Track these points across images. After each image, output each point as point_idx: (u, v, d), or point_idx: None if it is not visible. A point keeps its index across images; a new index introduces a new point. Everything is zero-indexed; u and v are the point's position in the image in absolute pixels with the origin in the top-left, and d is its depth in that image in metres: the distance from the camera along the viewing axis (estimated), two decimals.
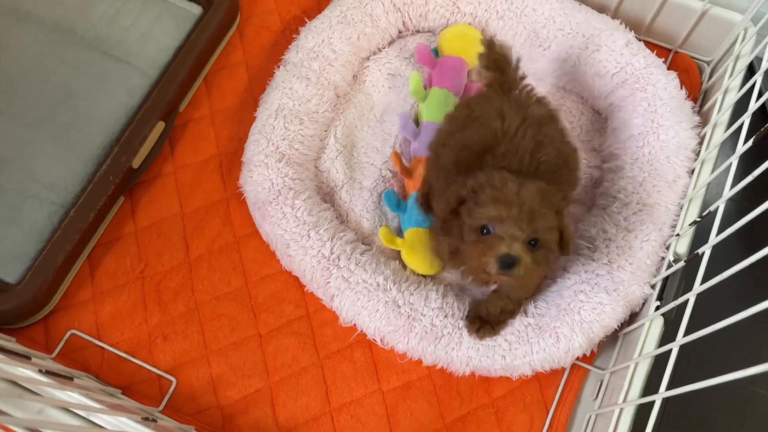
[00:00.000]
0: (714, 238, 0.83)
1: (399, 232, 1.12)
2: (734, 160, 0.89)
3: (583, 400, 1.07)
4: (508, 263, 0.75)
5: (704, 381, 0.64)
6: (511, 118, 0.89)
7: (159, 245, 1.16)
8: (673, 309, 0.97)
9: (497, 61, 0.95)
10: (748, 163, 1.03)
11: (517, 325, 1.00)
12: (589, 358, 1.08)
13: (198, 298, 1.12)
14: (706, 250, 0.84)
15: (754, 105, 0.91)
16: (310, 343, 1.09)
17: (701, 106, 1.21)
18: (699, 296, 0.84)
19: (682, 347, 0.83)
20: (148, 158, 1.17)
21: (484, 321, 0.99)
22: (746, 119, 0.91)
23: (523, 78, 0.97)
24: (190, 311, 1.11)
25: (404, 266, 1.09)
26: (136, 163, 1.15)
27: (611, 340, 1.08)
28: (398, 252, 1.10)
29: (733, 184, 0.83)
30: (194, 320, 1.10)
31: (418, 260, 1.08)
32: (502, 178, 0.78)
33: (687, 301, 0.84)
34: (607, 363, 1.09)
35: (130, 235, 1.16)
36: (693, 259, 0.88)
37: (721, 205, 0.86)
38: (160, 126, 1.18)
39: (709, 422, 1.25)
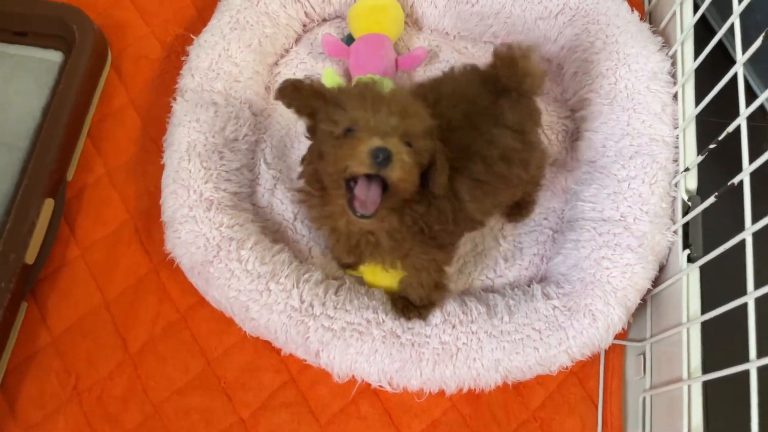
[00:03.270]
0: (749, 165, 0.70)
1: None
2: (739, 69, 0.76)
3: (629, 382, 0.94)
4: (383, 157, 0.61)
5: None
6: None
7: (87, 349, 0.95)
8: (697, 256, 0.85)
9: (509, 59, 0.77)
10: (704, 85, 0.93)
11: (543, 309, 0.87)
12: (622, 332, 0.94)
13: (154, 399, 0.92)
14: (744, 177, 0.71)
15: (739, 7, 0.78)
16: (305, 411, 0.91)
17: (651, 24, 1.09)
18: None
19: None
20: (43, 248, 0.97)
21: (411, 304, 0.87)
22: (735, 20, 0.79)
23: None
24: (149, 418, 0.91)
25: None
26: (30, 257, 0.94)
27: (638, 306, 0.95)
28: None
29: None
30: (158, 427, 0.91)
31: (388, 276, 0.90)
32: (367, 82, 0.66)
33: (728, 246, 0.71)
34: (640, 333, 0.95)
35: (47, 347, 0.95)
36: (726, 192, 0.75)
37: (743, 123, 0.74)
38: (49, 204, 0.97)
39: None
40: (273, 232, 0.96)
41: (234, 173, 0.95)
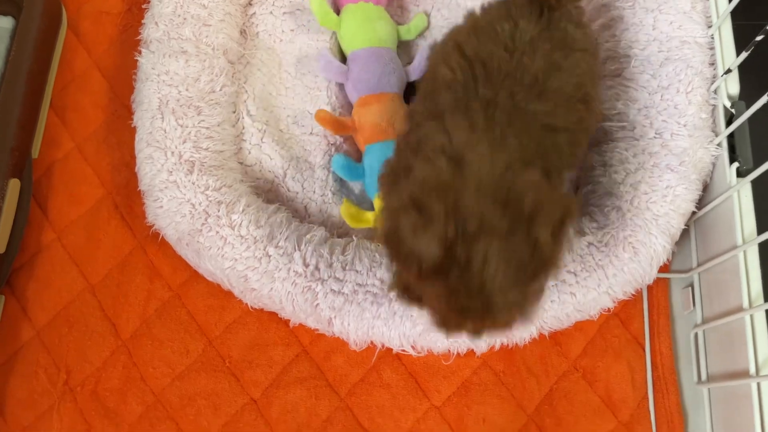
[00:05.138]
0: None
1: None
2: None
3: (676, 318, 0.85)
4: None
5: None
6: (526, 26, 0.64)
7: (75, 339, 0.86)
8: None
9: None
10: None
11: (576, 248, 0.77)
12: (664, 264, 0.84)
13: (155, 387, 0.83)
14: None
15: None
16: (323, 384, 0.82)
17: None
18: None
19: None
20: (14, 234, 0.87)
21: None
22: None
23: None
24: (150, 408, 0.82)
25: None
26: (0, 246, 0.82)
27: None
28: None
29: None
30: (162, 417, 0.82)
31: None
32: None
33: None
34: (685, 263, 0.86)
35: (31, 341, 0.86)
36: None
37: None
38: (15, 185, 0.87)
39: None
40: (266, 192, 0.86)
41: (215, 129, 0.84)
